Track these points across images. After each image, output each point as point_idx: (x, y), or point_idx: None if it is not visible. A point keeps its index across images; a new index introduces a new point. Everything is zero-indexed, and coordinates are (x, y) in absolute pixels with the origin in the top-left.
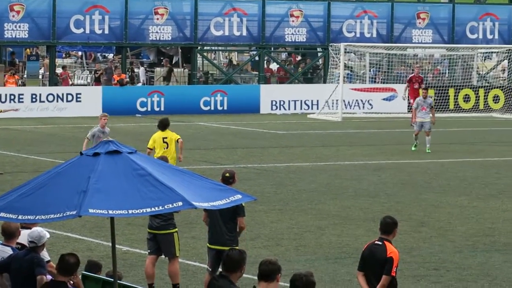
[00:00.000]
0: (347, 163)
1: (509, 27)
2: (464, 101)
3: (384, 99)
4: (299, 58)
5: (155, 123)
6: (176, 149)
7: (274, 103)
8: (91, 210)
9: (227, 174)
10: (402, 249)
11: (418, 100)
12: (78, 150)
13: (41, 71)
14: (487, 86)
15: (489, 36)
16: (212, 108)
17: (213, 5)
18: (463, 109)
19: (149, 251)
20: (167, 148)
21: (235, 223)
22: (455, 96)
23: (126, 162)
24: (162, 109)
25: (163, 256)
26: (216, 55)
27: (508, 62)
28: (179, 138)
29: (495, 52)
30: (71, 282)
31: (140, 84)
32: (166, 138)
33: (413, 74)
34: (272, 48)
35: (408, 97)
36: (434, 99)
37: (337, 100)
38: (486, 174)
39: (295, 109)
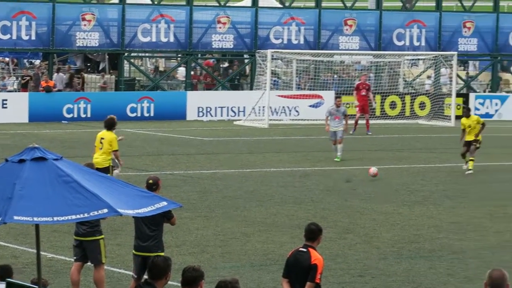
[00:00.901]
0: (274, 170)
1: (435, 34)
2: (390, 107)
3: (310, 106)
4: (226, 64)
5: (81, 129)
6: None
7: (200, 109)
8: (16, 217)
9: (151, 181)
10: (327, 255)
11: (330, 109)
12: (3, 156)
13: None
14: (413, 93)
15: (416, 43)
16: (139, 115)
17: (140, 12)
18: (390, 115)
19: (75, 258)
20: (101, 148)
21: (160, 230)
22: (381, 102)
23: (51, 169)
24: (89, 115)
25: (89, 263)
26: (143, 61)
27: (435, 69)
28: (114, 150)
29: (421, 59)
30: None
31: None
32: (103, 139)
33: (360, 82)
34: (199, 55)
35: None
36: None
37: (263, 107)
38: (411, 181)
39: (221, 115)
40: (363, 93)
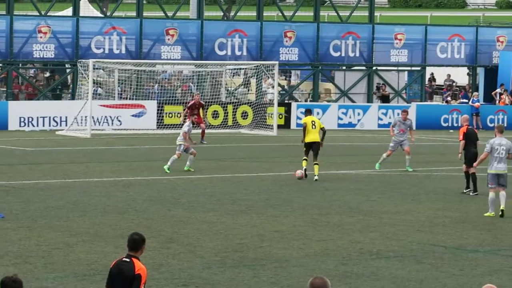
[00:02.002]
0: (96, 180)
1: (257, 44)
2: (213, 117)
3: (133, 115)
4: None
5: None
6: None
7: (22, 119)
8: None
9: None
10: (150, 265)
11: (188, 125)
12: None
13: None
14: (235, 102)
15: (238, 53)
16: None
17: None
18: (212, 125)
19: None
20: None
21: None
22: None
23: None
24: None
25: None
26: None
27: (256, 79)
28: None
29: (243, 69)
30: None
31: None
32: None
33: (193, 102)
34: (21, 65)
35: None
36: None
37: (86, 117)
38: (234, 190)
39: (43, 125)
40: (196, 112)
